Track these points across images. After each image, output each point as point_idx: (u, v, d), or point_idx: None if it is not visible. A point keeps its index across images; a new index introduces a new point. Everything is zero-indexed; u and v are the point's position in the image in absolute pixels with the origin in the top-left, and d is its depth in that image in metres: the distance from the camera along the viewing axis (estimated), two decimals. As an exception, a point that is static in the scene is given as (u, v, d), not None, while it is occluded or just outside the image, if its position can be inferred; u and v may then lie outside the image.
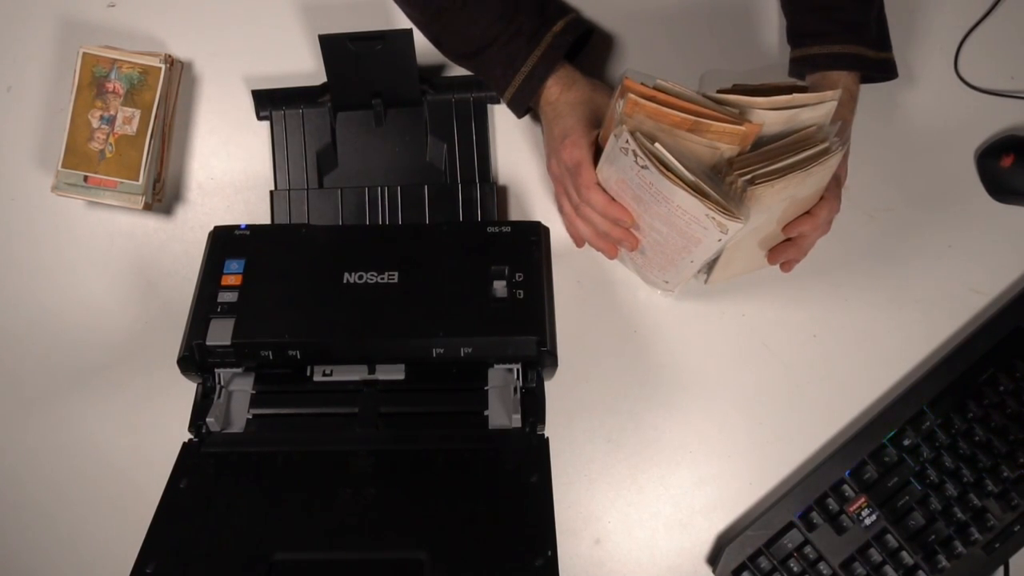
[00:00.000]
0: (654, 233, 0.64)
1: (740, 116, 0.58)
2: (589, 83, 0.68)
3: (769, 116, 0.59)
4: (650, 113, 0.58)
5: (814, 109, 0.59)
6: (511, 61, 0.67)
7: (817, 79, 0.68)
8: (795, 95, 0.58)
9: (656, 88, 0.58)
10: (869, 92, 0.72)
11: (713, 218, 0.58)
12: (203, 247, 0.68)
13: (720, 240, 0.59)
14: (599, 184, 0.64)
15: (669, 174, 0.58)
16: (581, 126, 0.66)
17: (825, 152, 0.59)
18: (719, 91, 0.61)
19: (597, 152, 0.65)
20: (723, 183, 0.60)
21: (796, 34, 0.70)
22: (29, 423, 0.73)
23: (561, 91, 0.67)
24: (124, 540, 0.55)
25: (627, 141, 0.58)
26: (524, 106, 0.69)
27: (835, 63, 0.67)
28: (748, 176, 0.58)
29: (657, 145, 0.58)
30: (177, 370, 0.63)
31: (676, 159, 0.58)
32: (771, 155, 0.59)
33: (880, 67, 0.69)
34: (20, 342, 0.74)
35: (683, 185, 0.58)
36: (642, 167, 0.59)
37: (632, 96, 0.58)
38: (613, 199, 0.64)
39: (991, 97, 0.74)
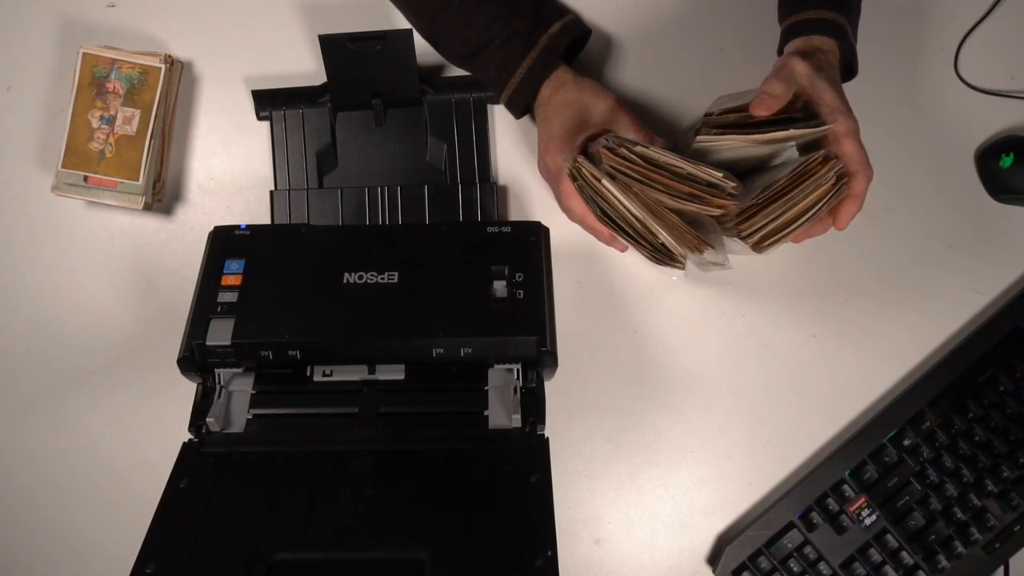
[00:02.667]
0: None
1: (719, 192, 0.57)
2: (576, 84, 0.67)
3: (762, 149, 0.59)
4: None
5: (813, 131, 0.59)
6: (507, 63, 0.67)
7: (799, 44, 0.65)
8: (792, 131, 0.58)
9: (636, 154, 0.58)
10: (869, 93, 0.72)
11: (657, 263, 0.59)
12: (203, 247, 0.68)
13: (665, 271, 0.60)
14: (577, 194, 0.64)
15: (605, 220, 0.59)
16: (565, 131, 0.65)
17: (841, 190, 0.59)
18: (707, 116, 0.60)
19: (586, 154, 0.65)
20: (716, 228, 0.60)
21: (784, 8, 0.69)
22: (29, 423, 0.73)
23: (551, 93, 0.67)
24: (124, 540, 0.55)
25: (570, 180, 0.59)
26: (521, 107, 0.69)
27: (817, 28, 0.65)
28: (755, 239, 0.58)
29: (604, 182, 0.58)
30: (177, 370, 0.63)
31: (621, 193, 0.58)
32: (773, 198, 0.59)
33: (853, 53, 0.66)
34: (20, 342, 0.74)
35: (620, 231, 0.59)
36: (590, 210, 0.60)
37: (609, 167, 0.59)
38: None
39: (991, 97, 0.74)
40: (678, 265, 0.60)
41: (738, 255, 0.64)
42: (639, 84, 0.75)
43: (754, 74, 0.72)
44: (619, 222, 0.60)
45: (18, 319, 0.74)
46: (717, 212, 0.58)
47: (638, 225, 0.59)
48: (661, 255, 0.59)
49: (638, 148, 0.58)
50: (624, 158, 0.58)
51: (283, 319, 0.63)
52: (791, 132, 0.58)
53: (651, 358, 0.73)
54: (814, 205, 0.59)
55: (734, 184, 0.57)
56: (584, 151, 0.65)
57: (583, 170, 0.60)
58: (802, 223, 0.59)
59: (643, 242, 0.60)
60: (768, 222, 0.59)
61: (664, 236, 0.58)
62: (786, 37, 0.67)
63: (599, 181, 0.59)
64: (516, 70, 0.67)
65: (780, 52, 0.69)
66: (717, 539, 0.72)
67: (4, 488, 0.73)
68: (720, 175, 0.57)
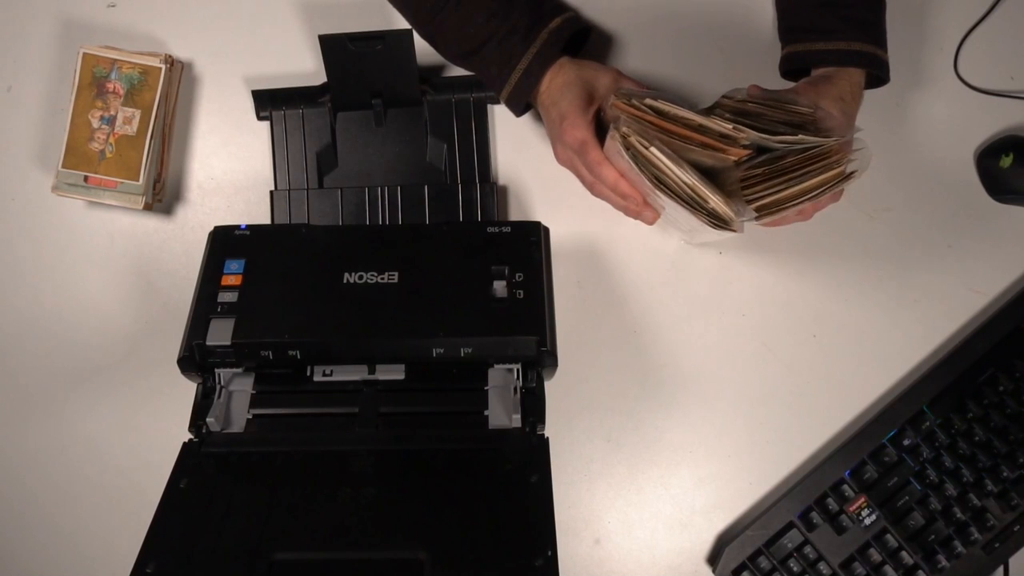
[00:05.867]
0: (663, 209, 0.64)
1: (733, 142, 0.58)
2: (575, 64, 0.67)
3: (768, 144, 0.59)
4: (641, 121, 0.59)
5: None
6: (507, 59, 0.66)
7: (822, 75, 0.67)
8: (802, 136, 0.58)
9: (648, 107, 0.58)
10: (869, 92, 0.72)
11: (715, 228, 0.58)
12: (203, 247, 0.68)
13: (721, 235, 0.60)
14: (608, 160, 0.64)
15: (662, 187, 0.59)
16: (575, 106, 0.65)
17: (845, 178, 0.59)
18: (721, 104, 0.61)
19: (598, 125, 0.65)
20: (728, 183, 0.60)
21: (796, 29, 0.69)
22: (29, 423, 0.73)
23: (551, 80, 0.67)
24: (124, 540, 0.55)
25: (623, 150, 0.59)
26: (522, 104, 0.69)
27: (845, 60, 0.66)
28: (755, 205, 0.58)
29: (653, 150, 0.58)
30: (177, 370, 0.63)
31: (671, 161, 0.58)
32: (780, 173, 0.59)
33: (886, 68, 0.68)
34: (20, 342, 0.74)
35: (676, 197, 0.58)
36: (639, 172, 0.59)
37: (624, 117, 0.58)
38: (622, 175, 0.64)
39: (991, 97, 0.74)
40: (733, 229, 0.59)
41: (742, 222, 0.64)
42: (639, 84, 0.75)
43: (753, 74, 0.72)
44: (672, 188, 0.59)
45: (18, 319, 0.74)
46: (732, 160, 0.58)
47: (689, 191, 0.59)
48: (716, 220, 0.59)
49: (648, 100, 0.58)
50: (638, 109, 0.58)
51: (283, 319, 0.63)
52: (799, 138, 0.59)
53: (651, 358, 0.73)
54: (816, 187, 0.59)
55: (745, 134, 0.58)
56: (596, 123, 0.65)
57: (631, 138, 0.59)
58: (801, 202, 0.59)
59: (698, 208, 0.59)
60: (771, 192, 0.59)
61: (714, 201, 0.58)
62: (808, 61, 0.68)
63: (648, 148, 0.59)
64: (516, 65, 0.66)
65: (789, 69, 0.69)
66: (717, 539, 0.72)
67: (4, 488, 0.73)
68: (731, 126, 0.57)
